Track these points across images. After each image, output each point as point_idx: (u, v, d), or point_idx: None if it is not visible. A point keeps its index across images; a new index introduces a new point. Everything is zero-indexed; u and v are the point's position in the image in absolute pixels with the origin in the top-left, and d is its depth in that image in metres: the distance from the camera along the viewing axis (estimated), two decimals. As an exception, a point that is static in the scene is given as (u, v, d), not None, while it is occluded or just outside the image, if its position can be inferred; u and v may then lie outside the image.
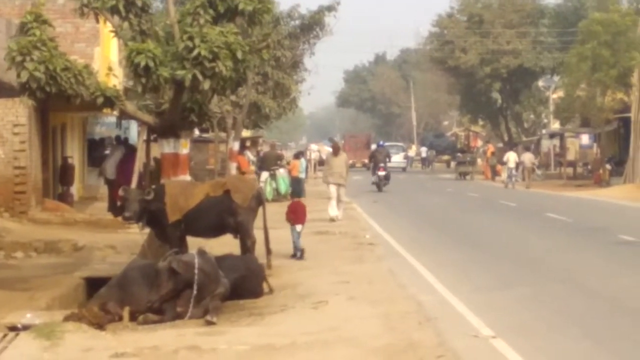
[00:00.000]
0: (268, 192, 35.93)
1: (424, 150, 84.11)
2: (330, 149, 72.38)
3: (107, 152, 31.78)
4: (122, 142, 30.10)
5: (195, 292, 13.32)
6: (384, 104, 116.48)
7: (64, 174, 29.64)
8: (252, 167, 37.09)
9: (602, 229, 24.43)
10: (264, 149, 51.52)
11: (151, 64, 15.73)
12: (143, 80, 16.00)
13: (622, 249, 20.03)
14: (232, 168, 31.39)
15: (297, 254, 19.17)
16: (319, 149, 69.54)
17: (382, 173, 42.35)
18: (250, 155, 38.67)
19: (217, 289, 13.54)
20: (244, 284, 14.57)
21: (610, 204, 34.59)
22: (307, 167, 50.80)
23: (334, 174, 26.98)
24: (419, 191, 44.30)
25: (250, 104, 36.36)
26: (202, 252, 13.96)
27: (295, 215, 19.57)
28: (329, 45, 45.22)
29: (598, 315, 12.71)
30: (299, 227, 19.45)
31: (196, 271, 13.37)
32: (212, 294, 13.44)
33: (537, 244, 21.44)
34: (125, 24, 17.39)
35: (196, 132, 34.64)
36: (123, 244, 19.93)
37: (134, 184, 24.00)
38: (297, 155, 40.94)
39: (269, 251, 17.08)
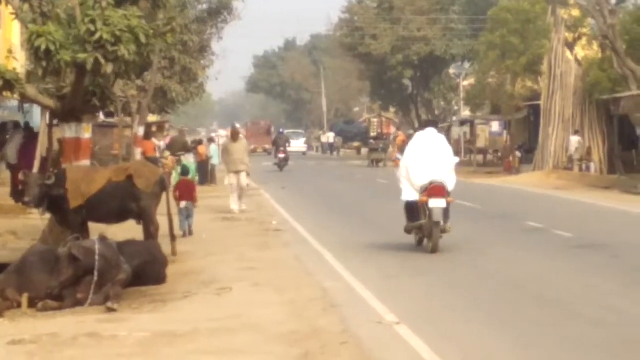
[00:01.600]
0: (174, 177, 35.56)
1: (330, 136, 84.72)
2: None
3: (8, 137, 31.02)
4: (22, 126, 29.41)
5: (96, 278, 13.06)
6: (294, 90, 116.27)
7: (-38, 160, 28.90)
8: (166, 153, 36.59)
9: (511, 215, 24.58)
10: (172, 134, 51.06)
11: (52, 47, 15.39)
12: (44, 63, 15.67)
13: (529, 236, 20.13)
14: (137, 153, 30.89)
15: (185, 234, 19.92)
16: (227, 135, 69.07)
17: (282, 156, 49.96)
18: (156, 141, 38.11)
19: (118, 275, 13.30)
20: (146, 270, 14.31)
21: (519, 191, 34.87)
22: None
23: (234, 160, 25.65)
24: (328, 178, 44.22)
25: (156, 88, 35.85)
26: (103, 238, 13.68)
27: (181, 192, 20.19)
28: (238, 30, 45.00)
29: (504, 301, 12.68)
30: (183, 204, 20.08)
31: (97, 257, 13.11)
32: (113, 281, 13.18)
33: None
34: (26, 6, 17.02)
35: (101, 116, 34.07)
36: (24, 229, 19.48)
37: (35, 168, 23.51)
38: (209, 141, 40.85)
39: (173, 237, 16.81)
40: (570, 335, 10.43)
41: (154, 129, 39.33)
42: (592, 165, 42.04)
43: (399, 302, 12.44)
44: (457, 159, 18.60)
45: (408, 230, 17.74)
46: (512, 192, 34.49)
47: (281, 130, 63.77)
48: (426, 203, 16.82)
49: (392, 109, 78.35)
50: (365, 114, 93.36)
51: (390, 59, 65.74)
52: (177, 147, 35.95)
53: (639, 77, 39.97)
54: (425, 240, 17.32)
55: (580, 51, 48.22)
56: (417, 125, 71.53)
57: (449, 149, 17.82)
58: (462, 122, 64.41)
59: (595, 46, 47.71)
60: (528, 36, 46.69)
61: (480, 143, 59.99)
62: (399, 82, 68.82)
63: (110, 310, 12.47)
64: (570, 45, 47.07)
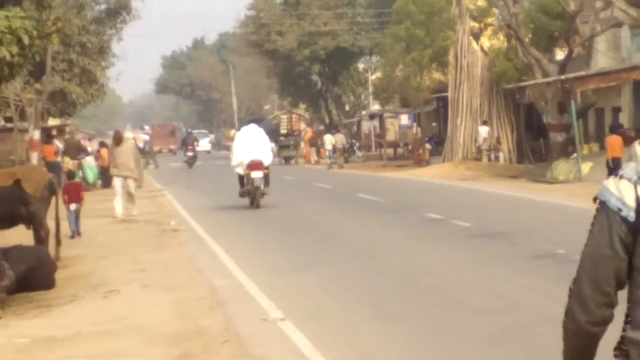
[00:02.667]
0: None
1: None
2: (146, 136, 71.89)
3: None
4: None
5: (-22, 285, 12.66)
6: (203, 90, 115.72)
7: None
8: (66, 158, 36.07)
9: (412, 207, 24.53)
10: (81, 137, 50.50)
11: None
12: None
13: (428, 227, 20.10)
14: (34, 157, 30.33)
15: (73, 234, 20.02)
16: (135, 137, 68.47)
17: (190, 154, 52.86)
18: (58, 143, 37.51)
19: (1, 281, 12.90)
20: (33, 275, 13.94)
21: (424, 183, 34.92)
22: None
23: (118, 165, 24.20)
24: (233, 176, 43.78)
25: (56, 91, 35.39)
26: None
27: (69, 195, 20.20)
28: (144, 30, 44.67)
29: (394, 293, 12.55)
30: (73, 206, 20.14)
31: (-22, 264, 12.71)
32: (-4, 287, 12.81)
33: (345, 224, 21.30)
34: None
35: (1, 121, 33.48)
36: None
37: None
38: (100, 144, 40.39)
39: (58, 242, 16.43)
40: (455, 326, 10.33)
41: (54, 132, 38.71)
42: (501, 155, 42.42)
43: (288, 298, 12.27)
44: (272, 144, 28.26)
45: (241, 194, 25.56)
46: (418, 185, 34.51)
47: (189, 130, 68.01)
48: (249, 174, 24.89)
49: (302, 105, 78.14)
50: (275, 111, 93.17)
51: (297, 54, 65.56)
52: (73, 150, 35.46)
53: (544, 65, 40.36)
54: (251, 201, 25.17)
55: (486, 41, 48.52)
56: (327, 120, 71.70)
57: (265, 138, 26.04)
58: (372, 116, 64.54)
59: (500, 36, 48.09)
60: (433, 28, 46.74)
61: (390, 136, 60.15)
62: (307, 77, 68.59)
63: (-6, 316, 12.13)
64: (476, 36, 47.35)
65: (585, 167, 32.93)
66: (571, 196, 26.11)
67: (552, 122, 39.17)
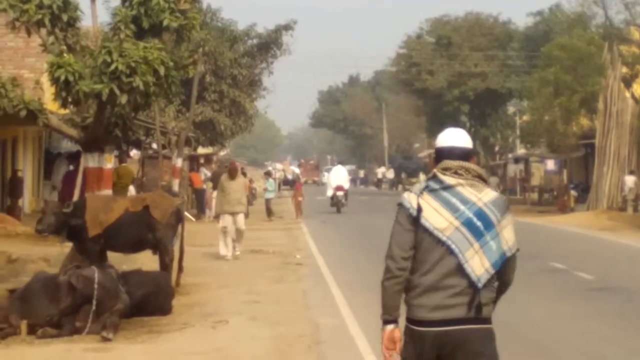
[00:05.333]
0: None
1: (380, 172, 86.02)
2: (296, 169, 73.21)
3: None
4: (68, 154, 30.03)
5: (94, 307, 13.20)
6: (356, 125, 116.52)
7: (13, 187, 29.53)
8: (209, 184, 37.08)
9: (537, 255, 24.10)
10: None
11: (71, 78, 15.73)
12: (63, 94, 16.02)
13: (546, 277, 19.95)
14: (175, 184, 31.29)
15: None
16: (284, 168, 69.92)
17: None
18: (206, 171, 38.60)
19: (116, 304, 13.43)
20: (151, 300, 14.43)
21: (561, 231, 34.45)
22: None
23: (229, 201, 22.73)
24: (374, 212, 44.03)
25: (206, 121, 36.43)
26: (104, 267, 13.88)
27: None
28: (298, 66, 45.59)
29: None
30: None
31: (95, 286, 13.26)
32: (111, 310, 13.34)
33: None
34: (52, 38, 17.41)
35: (153, 146, 34.65)
36: (58, 257, 19.68)
37: (76, 196, 23.89)
38: (266, 175, 41.67)
39: (180, 269, 16.95)
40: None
41: (201, 161, 39.84)
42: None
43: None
44: (349, 177, 47.20)
45: (332, 204, 43.57)
46: (554, 232, 34.11)
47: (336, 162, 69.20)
48: (335, 193, 43.30)
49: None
50: (425, 149, 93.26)
51: (447, 94, 65.70)
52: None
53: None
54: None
55: (638, 89, 47.74)
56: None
57: (346, 173, 45.79)
58: (517, 160, 64.02)
59: (655, 83, 47.29)
60: (582, 73, 46.17)
61: (535, 181, 59.55)
62: (456, 118, 68.49)
63: (105, 339, 12.61)
64: (628, 83, 46.64)
65: None
66: None
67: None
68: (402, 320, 5.59)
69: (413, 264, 5.43)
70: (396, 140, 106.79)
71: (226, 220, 22.63)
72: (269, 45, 38.72)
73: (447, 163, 5.53)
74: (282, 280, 18.66)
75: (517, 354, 11.75)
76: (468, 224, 5.36)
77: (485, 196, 5.47)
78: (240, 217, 22.89)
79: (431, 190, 5.46)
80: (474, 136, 71.48)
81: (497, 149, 75.30)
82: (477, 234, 5.35)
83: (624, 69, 46.68)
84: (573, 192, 48.65)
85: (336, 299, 16.13)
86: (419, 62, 67.90)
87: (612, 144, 44.55)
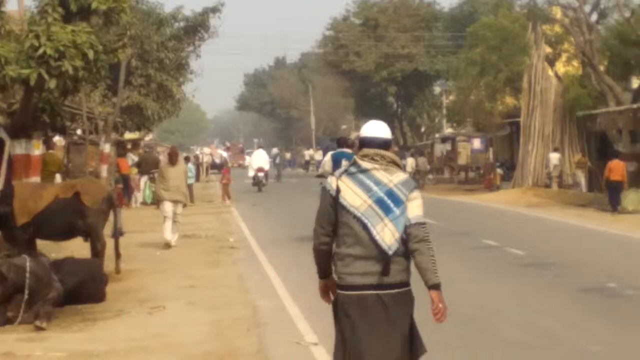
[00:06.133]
0: (147, 195, 35.61)
1: (307, 154, 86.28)
2: (224, 153, 72.84)
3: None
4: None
5: (26, 296, 12.96)
6: (283, 108, 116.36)
7: None
8: (134, 170, 36.72)
9: (469, 232, 24.51)
10: (161, 150, 51.23)
11: (-3, 62, 15.45)
12: (-11, 79, 15.74)
13: (479, 254, 20.08)
14: (103, 170, 30.91)
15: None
16: (212, 152, 69.58)
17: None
18: (133, 157, 38.20)
19: (49, 293, 13.21)
20: (84, 288, 14.24)
21: (489, 209, 34.78)
22: (198, 171, 52.82)
23: (170, 187, 21.61)
24: (304, 194, 43.95)
25: (132, 106, 35.99)
26: (35, 255, 13.64)
27: None
28: (225, 49, 45.22)
29: (428, 321, 12.53)
30: None
31: (27, 275, 13.02)
32: (44, 299, 13.12)
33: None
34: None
35: (78, 132, 34.18)
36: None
37: (0, 184, 23.41)
38: (186, 160, 40.84)
39: (117, 255, 16.75)
40: (487, 358, 10.37)
41: (128, 146, 39.39)
42: (582, 181, 42.05)
43: (326, 322, 12.33)
44: (269, 159, 53.96)
45: (253, 184, 47.42)
46: (482, 210, 34.41)
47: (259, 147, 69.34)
48: (257, 174, 47.58)
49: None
50: (352, 131, 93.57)
51: (374, 75, 65.79)
52: (150, 164, 35.95)
53: (617, 93, 40.03)
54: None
55: (560, 68, 48.25)
56: (401, 142, 71.72)
57: (266, 156, 51.36)
58: (444, 139, 64.43)
59: (575, 63, 47.76)
60: (507, 53, 46.53)
61: (462, 160, 59.97)
62: (383, 99, 68.80)
63: (39, 328, 12.40)
64: (551, 62, 47.10)
65: (657, 197, 32.55)
66: (635, 227, 25.87)
67: (623, 151, 38.70)
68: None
69: (338, 237, 6.32)
70: (324, 122, 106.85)
71: (166, 208, 21.63)
72: (196, 28, 38.33)
73: (366, 151, 6.46)
74: (217, 264, 18.55)
75: (454, 330, 11.77)
76: (379, 201, 6.23)
77: (396, 178, 6.36)
78: (179, 208, 21.88)
79: (350, 174, 6.37)
80: (401, 117, 72.04)
81: (423, 129, 75.72)
82: (387, 210, 6.21)
83: (548, 49, 47.13)
84: (499, 170, 49.05)
85: (273, 281, 16.07)
86: (346, 44, 67.91)
87: (536, 122, 44.98)
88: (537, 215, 31.05)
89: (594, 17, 43.51)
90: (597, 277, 16.15)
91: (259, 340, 11.38)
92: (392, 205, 6.25)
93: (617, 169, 32.67)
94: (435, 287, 6.46)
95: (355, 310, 6.29)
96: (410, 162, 52.48)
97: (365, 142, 6.54)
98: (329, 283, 6.62)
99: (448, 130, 68.45)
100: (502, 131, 53.40)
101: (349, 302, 6.31)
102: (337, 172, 6.51)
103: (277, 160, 70.33)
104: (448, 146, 63.95)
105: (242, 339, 11.43)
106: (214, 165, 69.55)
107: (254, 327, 12.13)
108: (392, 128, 73.43)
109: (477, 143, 59.61)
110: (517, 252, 19.80)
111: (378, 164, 6.38)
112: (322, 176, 21.53)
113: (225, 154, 74.41)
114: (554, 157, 42.91)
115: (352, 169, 6.41)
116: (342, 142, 22.16)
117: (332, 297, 6.61)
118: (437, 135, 71.08)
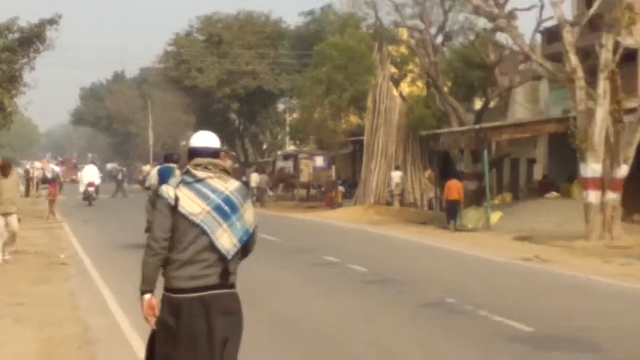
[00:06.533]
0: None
1: (145, 170, 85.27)
2: (57, 168, 71.41)
3: None
4: None
5: None
6: (121, 123, 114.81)
7: None
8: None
9: (311, 250, 24.27)
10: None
11: None
12: None
13: (321, 271, 19.79)
14: None
15: None
16: (43, 167, 67.77)
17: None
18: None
19: None
20: None
21: (331, 226, 34.77)
22: (28, 186, 52.91)
23: (3, 201, 20.42)
24: (139, 209, 43.13)
25: (-40, 118, 34.58)
26: None
27: None
28: (62, 61, 44.05)
29: (272, 338, 12.11)
30: None
31: None
32: None
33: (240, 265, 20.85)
34: None
35: None
36: None
37: None
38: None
39: None
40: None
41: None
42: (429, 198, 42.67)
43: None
44: (100, 174, 54.68)
45: (84, 199, 49.69)
46: (323, 227, 34.35)
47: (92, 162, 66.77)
48: (87, 189, 49.01)
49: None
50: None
51: (217, 92, 65.35)
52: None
53: (461, 114, 40.63)
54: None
55: (406, 88, 48.84)
56: (243, 159, 71.41)
57: (97, 172, 52.35)
58: (287, 157, 64.43)
59: (420, 83, 48.40)
60: (353, 72, 46.83)
61: (304, 178, 60.03)
62: (225, 115, 68.34)
63: None
64: (396, 82, 47.63)
65: (495, 216, 33.08)
66: (474, 245, 26.20)
67: (465, 171, 39.33)
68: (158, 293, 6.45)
69: (171, 243, 6.40)
70: (162, 138, 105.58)
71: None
72: (31, 40, 37.01)
73: (199, 160, 6.60)
74: (47, 281, 17.71)
75: (300, 347, 11.48)
76: (217, 208, 6.41)
77: (231, 186, 6.56)
78: (14, 219, 20.70)
79: (186, 184, 6.51)
80: (243, 134, 71.75)
81: (266, 146, 75.61)
82: (225, 216, 6.41)
83: (393, 69, 47.69)
84: (341, 188, 49.26)
85: (106, 299, 15.39)
86: (188, 60, 67.27)
87: (380, 141, 45.38)
88: (379, 233, 31.11)
89: (439, 39, 44.11)
90: (438, 293, 16.08)
91: (91, 358, 10.76)
92: (229, 211, 6.46)
93: (455, 188, 33.19)
94: None
95: (188, 314, 6.38)
96: (254, 177, 52.41)
97: (197, 152, 6.67)
98: (154, 301, 6.59)
99: (291, 148, 68.44)
100: (345, 149, 53.67)
101: (181, 306, 6.38)
102: (173, 182, 6.60)
103: (120, 177, 68.93)
104: (290, 163, 63.94)
105: (72, 357, 10.81)
106: (45, 180, 67.81)
107: (85, 345, 11.48)
108: (234, 145, 73.37)
109: (320, 161, 59.74)
110: (359, 269, 19.60)
111: (212, 173, 6.57)
112: (149, 189, 22.85)
113: (57, 169, 72.48)
114: (396, 175, 43.29)
115: (188, 179, 6.55)
116: (168, 158, 23.31)
117: (156, 315, 6.57)
118: (279, 152, 71.01)
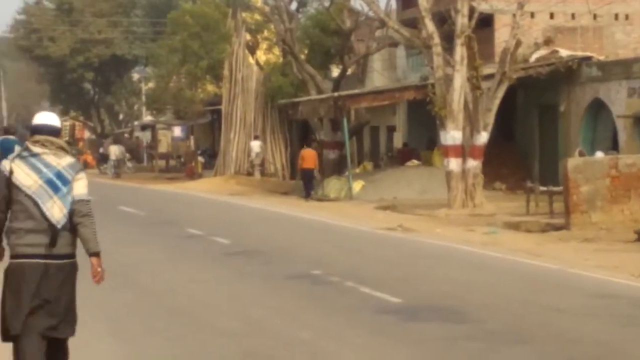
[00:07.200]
0: None
1: None
2: None
3: None
4: None
5: None
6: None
7: None
8: None
9: (173, 222, 23.96)
10: None
11: None
12: None
13: (185, 243, 19.59)
14: None
15: None
16: None
17: None
18: None
19: None
20: None
21: (192, 197, 34.40)
22: None
23: None
24: None
25: None
26: None
27: None
28: None
29: (136, 313, 11.87)
30: None
31: None
32: None
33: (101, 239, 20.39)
34: None
35: None
36: None
37: None
38: None
39: None
40: (195, 348, 9.79)
41: None
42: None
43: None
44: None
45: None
46: (185, 198, 33.94)
47: None
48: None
49: (72, 113, 76.37)
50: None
51: (70, 61, 64.08)
52: None
53: (318, 82, 40.41)
54: None
55: (262, 56, 48.49)
56: (99, 130, 70.21)
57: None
58: (144, 127, 63.54)
59: (276, 51, 48.13)
60: (209, 40, 46.29)
61: (163, 148, 59.37)
62: (80, 85, 67.05)
63: None
64: (252, 50, 47.20)
65: (357, 185, 33.05)
66: (337, 215, 26.17)
67: (325, 139, 39.25)
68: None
69: (12, 213, 7.15)
70: (16, 109, 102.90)
71: None
72: None
73: (37, 137, 7.23)
74: None
75: (162, 320, 11.30)
76: (49, 182, 7.12)
77: (64, 161, 7.24)
78: None
79: (22, 157, 7.20)
80: (98, 104, 70.52)
81: (122, 117, 74.48)
82: (56, 189, 7.12)
83: (248, 36, 47.25)
84: (200, 158, 48.84)
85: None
86: (39, 29, 65.72)
87: (238, 110, 44.97)
88: (240, 204, 30.93)
89: (294, 5, 43.94)
90: (303, 264, 16.10)
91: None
92: (60, 184, 7.15)
93: (309, 157, 33.16)
94: (95, 254, 7.26)
95: (29, 279, 7.07)
96: (113, 149, 51.46)
97: (37, 130, 7.29)
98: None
99: (148, 118, 67.53)
100: (203, 119, 53.18)
101: (23, 271, 7.09)
102: (11, 156, 7.31)
103: None
104: (148, 134, 63.09)
105: None
106: None
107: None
108: (90, 115, 72.02)
109: (177, 131, 59.17)
110: (222, 241, 19.42)
111: (48, 149, 7.23)
112: None
113: None
114: (256, 144, 43.02)
115: (25, 154, 7.23)
116: (6, 130, 23.87)
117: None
118: (136, 122, 70.00)
